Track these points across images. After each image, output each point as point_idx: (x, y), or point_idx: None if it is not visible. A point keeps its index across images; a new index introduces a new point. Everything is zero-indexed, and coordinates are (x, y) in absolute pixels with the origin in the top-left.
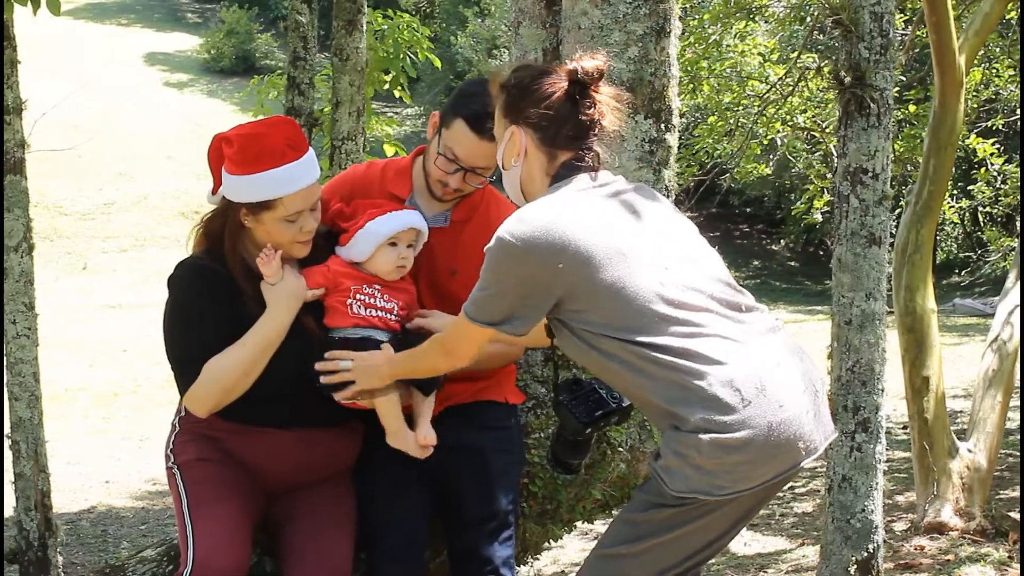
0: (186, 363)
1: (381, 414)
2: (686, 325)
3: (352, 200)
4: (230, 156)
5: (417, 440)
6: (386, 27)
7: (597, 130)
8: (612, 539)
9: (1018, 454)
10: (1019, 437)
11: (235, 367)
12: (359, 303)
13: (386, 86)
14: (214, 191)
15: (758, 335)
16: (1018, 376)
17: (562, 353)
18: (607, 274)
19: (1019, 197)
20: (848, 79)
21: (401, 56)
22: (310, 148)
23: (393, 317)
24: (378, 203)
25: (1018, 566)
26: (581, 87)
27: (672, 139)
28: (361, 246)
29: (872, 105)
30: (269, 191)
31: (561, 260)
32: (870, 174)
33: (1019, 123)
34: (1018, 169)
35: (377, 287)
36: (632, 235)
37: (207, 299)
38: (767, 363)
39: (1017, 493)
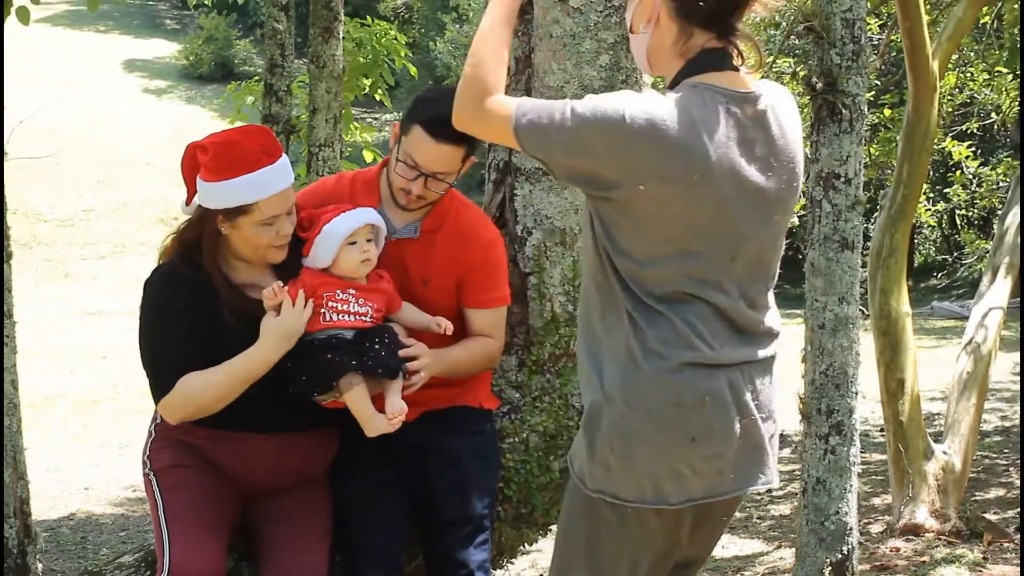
0: (160, 370)
1: (351, 406)
2: (687, 317)
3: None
4: (205, 163)
5: (387, 414)
6: (363, 35)
7: (741, 12)
8: None
9: (993, 456)
10: (996, 439)
11: (213, 389)
12: (331, 310)
13: (366, 90)
14: (188, 201)
15: (742, 363)
16: (993, 379)
17: (535, 359)
18: (675, 227)
19: (999, 199)
20: (820, 85)
21: (380, 62)
22: (284, 154)
23: (368, 319)
24: (332, 208)
25: (993, 567)
26: None
27: None
28: (322, 251)
29: (844, 111)
30: (245, 196)
31: (647, 181)
32: (843, 179)
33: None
34: (992, 172)
35: (352, 291)
36: (732, 203)
37: (182, 306)
38: (723, 376)
39: (992, 495)
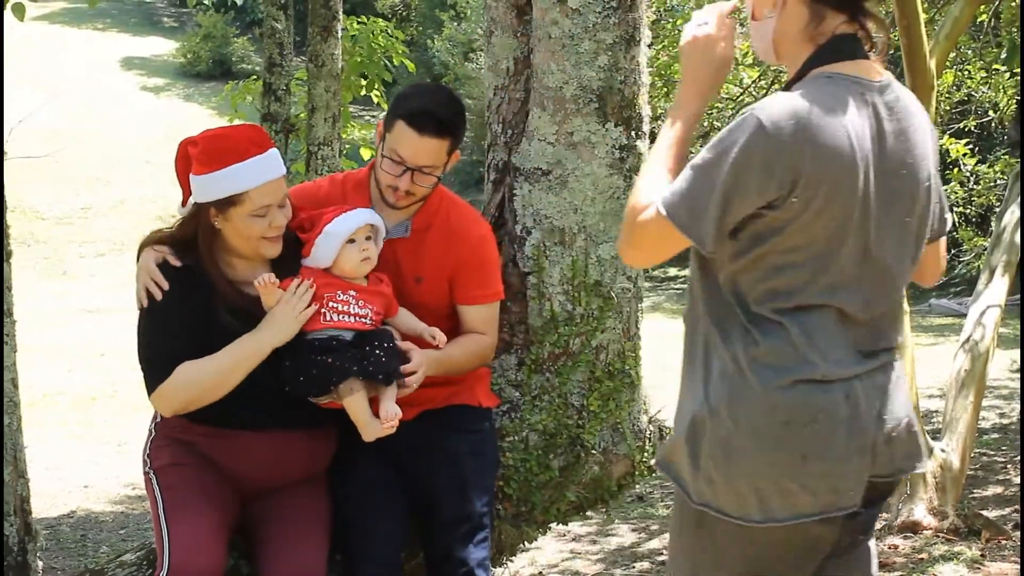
0: (155, 362)
1: (350, 410)
2: (806, 327)
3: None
4: (195, 156)
5: (381, 419)
6: (359, 32)
7: None
8: None
9: (991, 453)
10: (994, 436)
11: (210, 376)
12: (331, 310)
13: (363, 91)
14: (184, 202)
15: (859, 375)
16: (991, 377)
17: (535, 357)
18: (830, 241)
19: (997, 196)
20: None
21: (377, 60)
22: (274, 146)
23: (368, 322)
24: (332, 208)
25: (991, 564)
26: None
27: (643, 146)
28: (323, 251)
29: None
30: (234, 185)
31: (807, 195)
32: None
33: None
34: (990, 170)
35: (352, 293)
36: (869, 201)
37: (177, 300)
38: (838, 391)
39: (989, 492)
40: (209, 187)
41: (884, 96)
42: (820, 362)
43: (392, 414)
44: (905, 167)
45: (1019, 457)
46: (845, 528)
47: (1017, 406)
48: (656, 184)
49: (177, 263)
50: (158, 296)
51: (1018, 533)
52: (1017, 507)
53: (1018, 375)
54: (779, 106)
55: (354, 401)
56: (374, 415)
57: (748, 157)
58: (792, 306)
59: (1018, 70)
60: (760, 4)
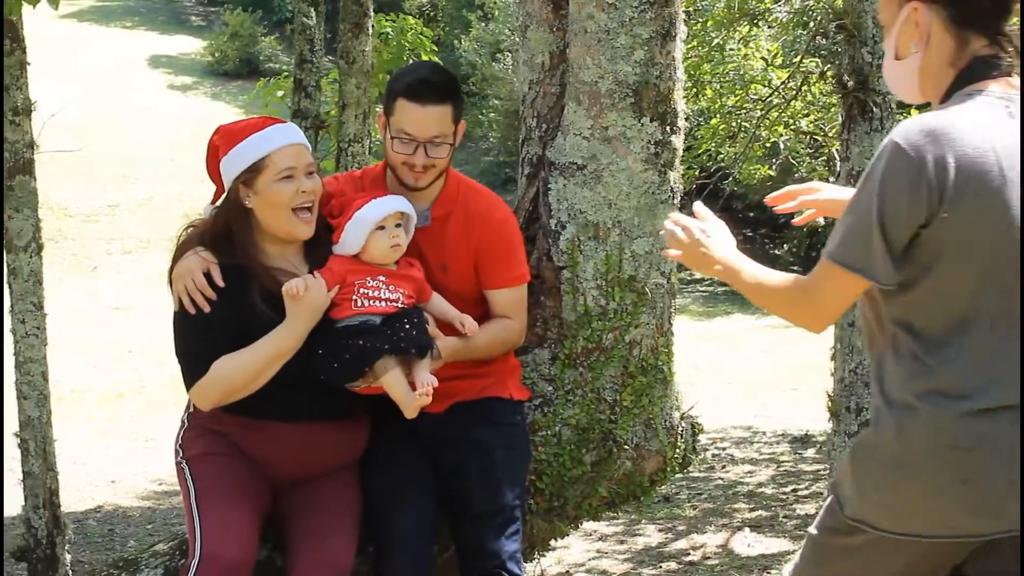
0: (192, 358)
1: (388, 387)
2: (973, 348)
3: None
4: (218, 143)
5: (417, 390)
6: (390, 30)
7: (1011, 11)
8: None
9: None
10: None
11: (246, 370)
12: (362, 296)
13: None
14: (214, 199)
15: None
16: None
17: (568, 352)
18: (988, 253)
19: None
20: (851, 83)
21: (405, 58)
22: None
23: (399, 306)
24: (363, 195)
25: None
26: None
27: (677, 141)
28: (352, 236)
29: (875, 109)
30: (256, 151)
31: (956, 208)
32: None
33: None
34: None
35: (382, 278)
36: (1018, 214)
37: (215, 300)
38: (1004, 419)
39: None
40: (233, 163)
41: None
42: (992, 387)
43: (427, 382)
44: None
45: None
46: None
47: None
48: (768, 273)
49: (218, 272)
50: (203, 305)
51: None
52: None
53: None
54: (913, 125)
55: (391, 378)
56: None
57: (892, 180)
58: (960, 323)
59: None
60: (904, 42)
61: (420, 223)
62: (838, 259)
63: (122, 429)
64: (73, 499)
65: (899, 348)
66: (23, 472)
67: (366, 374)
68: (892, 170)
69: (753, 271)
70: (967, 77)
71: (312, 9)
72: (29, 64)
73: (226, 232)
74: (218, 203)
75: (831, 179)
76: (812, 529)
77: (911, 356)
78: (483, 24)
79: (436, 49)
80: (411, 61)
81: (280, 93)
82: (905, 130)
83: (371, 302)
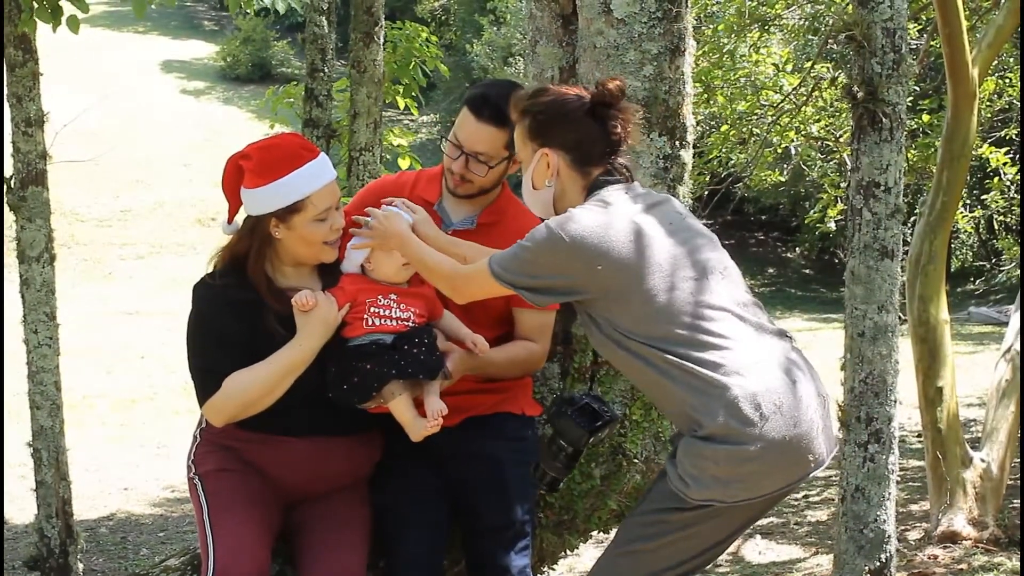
0: (206, 374)
1: (395, 411)
2: (714, 336)
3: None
4: (251, 169)
5: (427, 417)
6: (399, 38)
7: (625, 146)
8: (628, 537)
9: None
10: None
11: (259, 385)
12: (373, 315)
13: (400, 99)
14: (230, 219)
15: (779, 352)
16: None
17: (577, 366)
18: (643, 283)
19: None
20: (861, 94)
21: (412, 66)
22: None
23: (410, 325)
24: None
25: None
26: (605, 107)
27: (686, 155)
28: (355, 255)
29: (885, 120)
30: (297, 191)
31: (601, 263)
32: (883, 188)
33: (1020, 131)
34: None
35: (393, 297)
36: (668, 247)
37: (229, 316)
38: (786, 381)
39: None
40: (270, 197)
41: (642, 202)
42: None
43: (437, 411)
44: (678, 238)
45: (1020, 462)
46: None
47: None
48: (432, 253)
49: (226, 285)
50: None
51: (1020, 537)
52: (1020, 512)
53: None
54: (574, 224)
55: (398, 404)
56: (421, 414)
57: (559, 269)
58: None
59: None
60: (539, 178)
61: (466, 226)
62: (500, 277)
63: (135, 435)
64: (85, 506)
65: None
66: (36, 481)
67: (374, 397)
68: (551, 252)
69: (421, 245)
70: (592, 190)
71: (324, 18)
72: (42, 74)
73: (245, 258)
74: (238, 223)
75: (842, 184)
76: (640, 513)
77: None
78: (495, 28)
79: (443, 55)
80: (417, 69)
81: (289, 100)
82: (560, 221)
83: (382, 320)
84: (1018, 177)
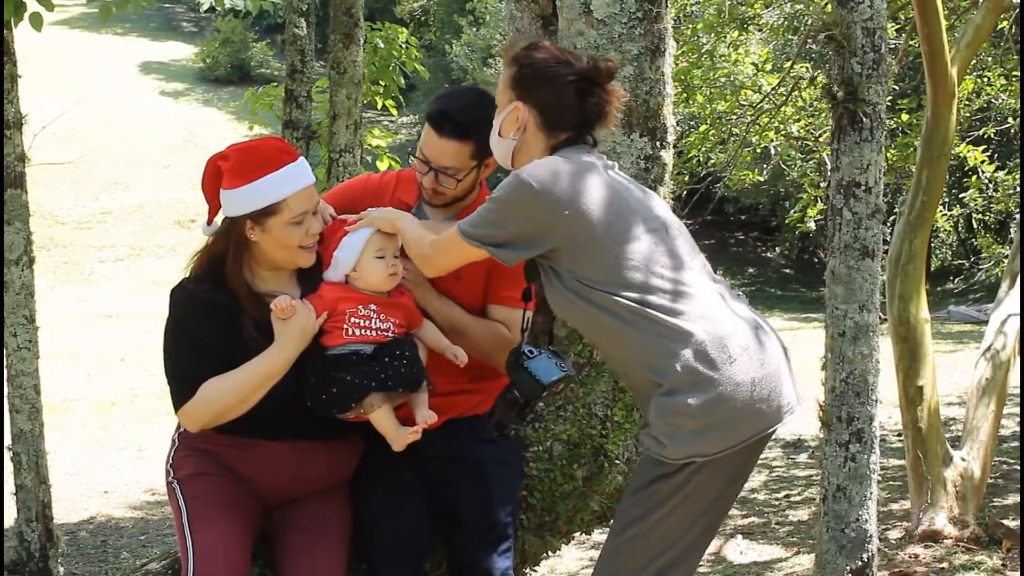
0: (182, 381)
1: (376, 423)
2: (677, 284)
3: (356, 205)
4: (228, 169)
5: (417, 425)
6: (379, 40)
7: (599, 124)
8: (622, 524)
9: (1012, 462)
10: (1014, 445)
11: (233, 393)
12: (353, 326)
13: (379, 99)
14: (210, 220)
15: (738, 304)
16: (1012, 385)
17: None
18: (609, 229)
19: (1016, 203)
20: (840, 94)
21: (392, 67)
22: (301, 155)
23: (389, 335)
24: (347, 219)
25: (1012, 574)
26: (592, 83)
27: (667, 156)
28: (344, 253)
29: (865, 119)
30: (272, 194)
31: (568, 208)
32: (863, 187)
33: (1020, 133)
34: (1009, 176)
35: (373, 307)
36: (631, 198)
37: (205, 322)
38: (750, 328)
39: (1010, 501)
40: (246, 199)
41: (605, 163)
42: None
43: (426, 419)
44: (641, 196)
45: (1020, 464)
46: None
47: (1020, 411)
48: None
49: (203, 290)
50: None
51: (1019, 537)
52: (1019, 512)
53: None
54: (540, 170)
55: (379, 415)
56: (404, 424)
57: (527, 216)
58: None
59: None
60: (506, 127)
61: None
62: (471, 236)
63: (115, 439)
64: (66, 510)
65: None
66: (16, 485)
67: (353, 408)
68: (519, 198)
69: (412, 223)
70: (556, 150)
71: (303, 19)
72: (20, 77)
73: (222, 260)
74: (217, 225)
75: (822, 184)
76: (628, 496)
77: None
78: (474, 29)
79: (422, 56)
80: (397, 70)
81: (269, 101)
82: (528, 169)
83: (362, 331)
84: (997, 175)
